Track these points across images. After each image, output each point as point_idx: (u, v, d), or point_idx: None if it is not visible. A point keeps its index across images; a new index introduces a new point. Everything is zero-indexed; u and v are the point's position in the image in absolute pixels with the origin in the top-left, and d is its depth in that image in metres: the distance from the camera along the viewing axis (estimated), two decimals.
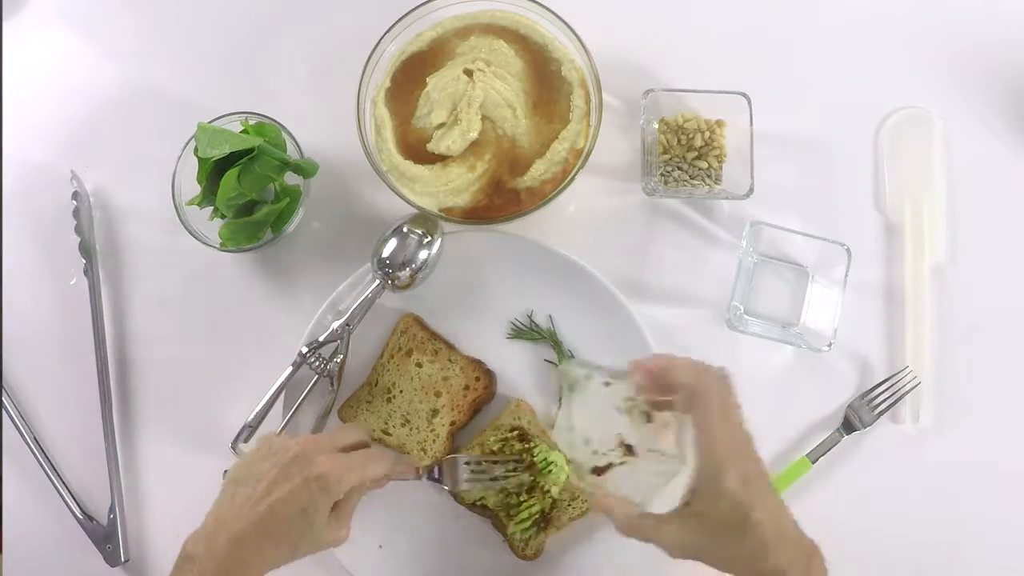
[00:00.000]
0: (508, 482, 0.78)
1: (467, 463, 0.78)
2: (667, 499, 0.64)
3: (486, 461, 0.78)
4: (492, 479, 0.78)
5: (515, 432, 0.80)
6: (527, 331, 0.84)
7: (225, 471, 0.73)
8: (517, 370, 0.84)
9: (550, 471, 0.78)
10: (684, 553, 0.62)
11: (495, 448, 0.79)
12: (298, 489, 0.67)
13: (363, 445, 0.75)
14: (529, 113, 0.83)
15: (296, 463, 0.68)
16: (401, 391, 0.83)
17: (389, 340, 0.84)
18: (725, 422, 0.61)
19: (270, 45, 0.94)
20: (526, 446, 0.79)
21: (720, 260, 0.86)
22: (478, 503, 0.79)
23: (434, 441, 0.81)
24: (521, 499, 0.78)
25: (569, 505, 0.80)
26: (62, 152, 0.93)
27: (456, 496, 0.80)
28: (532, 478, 0.78)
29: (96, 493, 0.86)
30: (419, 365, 0.83)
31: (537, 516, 0.78)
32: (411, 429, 0.82)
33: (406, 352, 0.83)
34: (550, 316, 0.84)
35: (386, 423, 0.82)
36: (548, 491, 0.78)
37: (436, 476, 0.77)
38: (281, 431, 0.80)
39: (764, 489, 0.61)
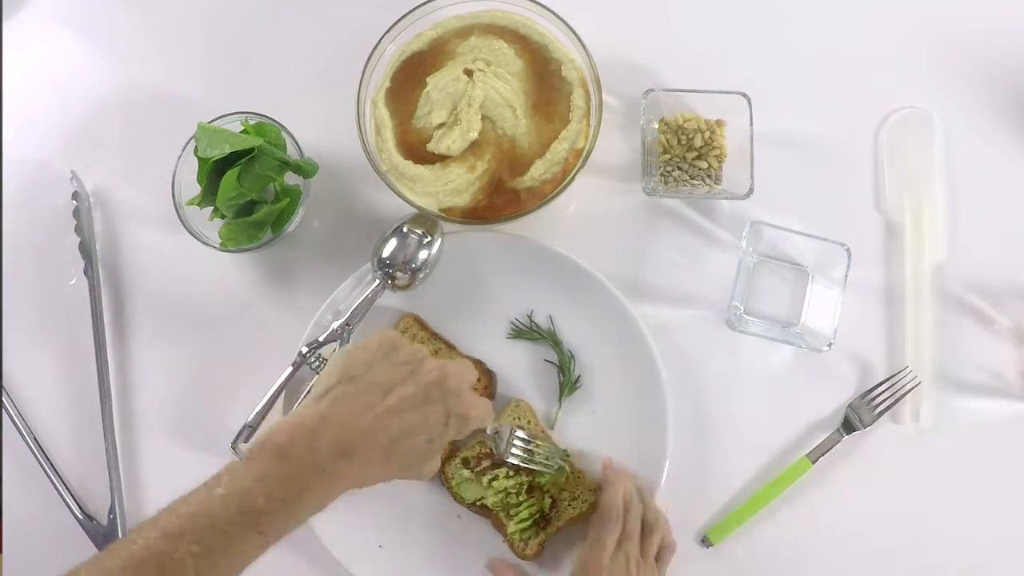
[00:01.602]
0: (542, 472, 0.78)
1: (520, 437, 0.77)
2: None
3: (536, 443, 0.78)
4: (532, 461, 0.77)
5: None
6: (527, 331, 0.84)
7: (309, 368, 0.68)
8: (517, 370, 0.84)
9: (553, 470, 0.78)
10: None
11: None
12: (435, 419, 0.62)
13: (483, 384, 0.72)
14: (529, 113, 0.83)
15: (439, 390, 0.62)
16: None
17: None
18: (593, 548, 0.72)
19: (270, 45, 0.94)
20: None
21: (720, 260, 0.86)
22: (478, 503, 0.79)
23: None
24: (521, 499, 0.78)
25: (569, 505, 0.80)
26: (62, 152, 0.93)
27: (456, 496, 0.80)
28: (530, 477, 0.78)
29: (96, 493, 0.86)
30: None
31: (537, 516, 0.78)
32: None
33: None
34: (550, 316, 0.84)
35: None
36: (548, 491, 0.79)
37: (492, 435, 0.76)
38: None
39: None
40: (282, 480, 0.57)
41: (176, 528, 0.55)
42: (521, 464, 0.77)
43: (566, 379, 0.83)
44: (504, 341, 0.85)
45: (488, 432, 0.75)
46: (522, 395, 0.84)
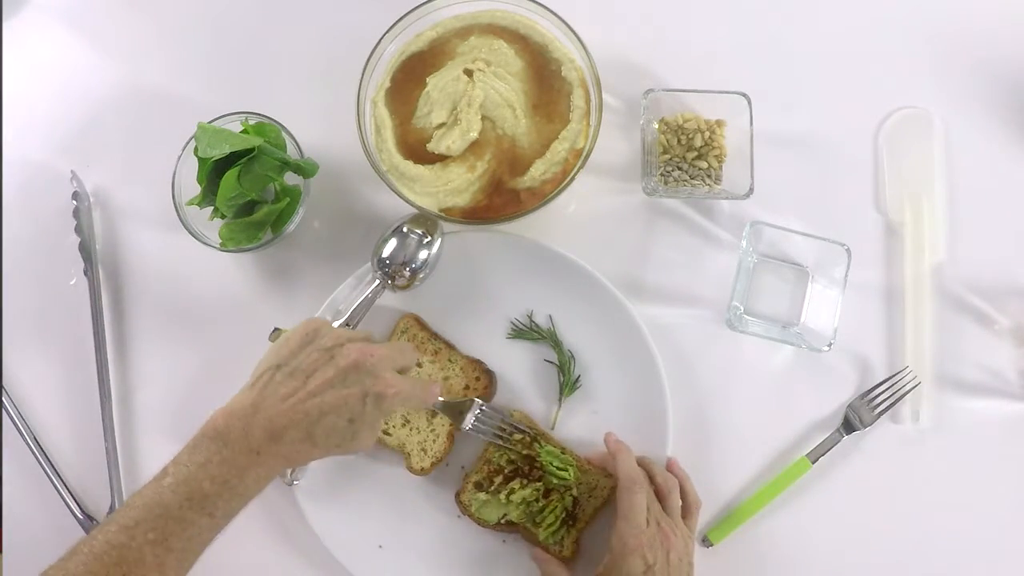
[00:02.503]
0: (510, 446, 0.79)
1: (482, 408, 0.78)
2: None
3: (502, 420, 0.79)
4: (496, 434, 0.78)
5: (521, 437, 0.79)
6: (527, 331, 0.84)
7: (275, 329, 0.72)
8: (517, 370, 0.84)
9: (559, 469, 0.78)
10: None
11: (502, 463, 0.79)
12: (353, 399, 0.65)
13: (409, 368, 0.73)
14: (529, 113, 0.83)
15: (356, 371, 0.66)
16: None
17: (389, 340, 0.84)
18: (625, 521, 0.72)
19: (270, 45, 0.94)
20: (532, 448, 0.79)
21: (720, 260, 0.86)
22: (503, 521, 0.79)
23: (434, 441, 0.81)
24: (542, 504, 0.78)
25: (590, 497, 0.79)
26: (62, 152, 0.93)
27: (480, 521, 0.79)
28: (541, 481, 0.78)
29: (96, 493, 0.86)
30: (419, 365, 0.83)
31: (563, 516, 0.78)
32: (411, 429, 0.82)
33: None
34: (550, 316, 0.84)
35: (386, 423, 0.82)
36: (569, 489, 0.78)
37: (452, 413, 0.78)
38: None
39: None
40: (222, 464, 0.63)
41: (131, 520, 0.61)
42: (482, 436, 0.78)
43: (566, 379, 0.83)
44: (504, 341, 0.85)
45: (435, 405, 0.77)
46: (522, 395, 0.84)
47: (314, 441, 0.65)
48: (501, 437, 0.79)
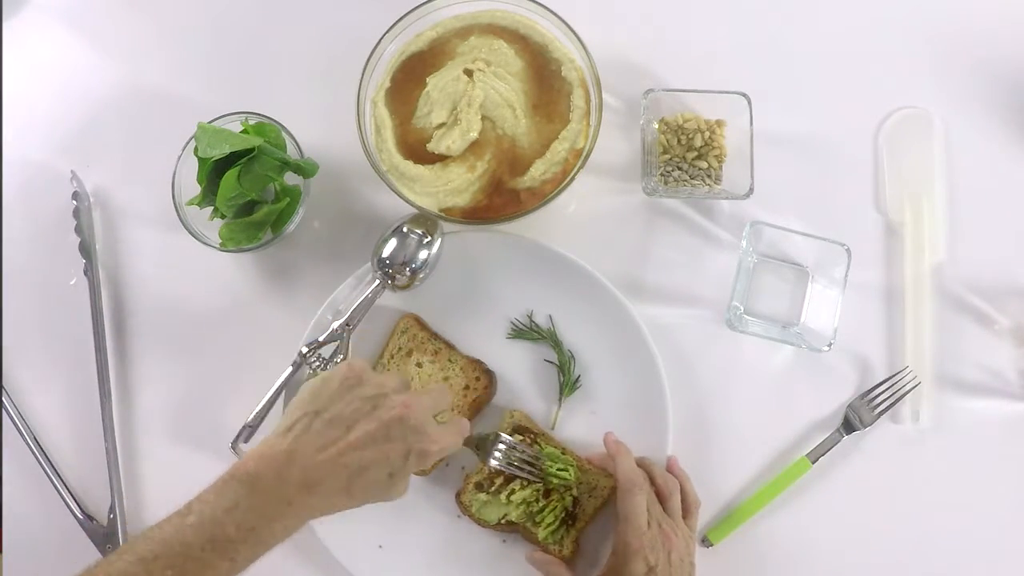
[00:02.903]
0: (539, 477, 0.77)
1: (503, 444, 0.76)
2: None
3: (521, 451, 0.77)
4: (518, 466, 0.77)
5: (522, 438, 0.79)
6: (527, 331, 0.84)
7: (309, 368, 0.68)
8: (517, 370, 0.84)
9: (560, 470, 0.78)
10: None
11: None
12: (396, 455, 0.63)
13: (447, 409, 0.72)
14: (529, 113, 0.83)
15: (400, 425, 0.64)
16: None
17: (389, 340, 0.84)
18: (626, 523, 0.72)
19: (270, 45, 0.94)
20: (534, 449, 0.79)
21: (720, 260, 0.86)
22: (503, 521, 0.79)
23: None
24: (542, 504, 0.78)
25: (589, 497, 0.79)
26: (62, 152, 0.93)
27: (480, 521, 0.79)
28: (541, 482, 0.78)
29: (96, 493, 0.86)
30: (419, 365, 0.83)
31: (562, 515, 0.78)
32: None
33: (406, 352, 0.83)
34: (550, 316, 0.84)
35: None
36: (570, 488, 0.78)
37: (474, 447, 0.77)
38: None
39: None
40: (251, 510, 0.60)
41: (150, 553, 0.57)
42: (506, 470, 0.76)
43: (566, 379, 0.83)
44: (504, 341, 0.85)
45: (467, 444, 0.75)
46: (522, 395, 0.84)
47: (351, 494, 0.63)
48: (531, 469, 0.77)
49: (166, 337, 0.89)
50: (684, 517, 0.77)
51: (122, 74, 0.94)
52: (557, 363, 0.84)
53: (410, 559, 0.81)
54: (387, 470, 0.63)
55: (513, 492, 0.78)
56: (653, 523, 0.72)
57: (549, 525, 0.78)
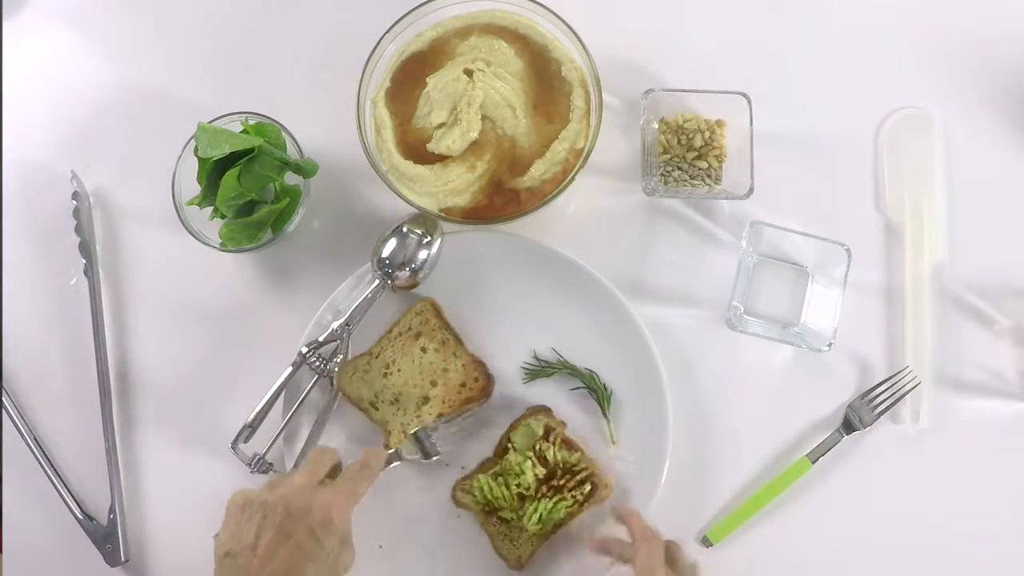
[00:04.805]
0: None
1: (427, 430, 0.79)
2: None
3: (441, 423, 0.80)
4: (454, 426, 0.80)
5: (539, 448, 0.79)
6: (540, 369, 0.83)
7: (216, 535, 0.69)
8: (517, 370, 0.84)
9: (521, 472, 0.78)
10: None
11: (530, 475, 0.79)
12: (304, 542, 0.64)
13: (338, 465, 0.73)
14: (529, 113, 0.83)
15: (291, 518, 0.65)
16: (399, 370, 0.83)
17: (401, 318, 0.84)
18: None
19: (270, 45, 0.94)
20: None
21: (720, 260, 0.86)
22: (491, 499, 0.79)
23: (417, 426, 0.81)
24: (537, 495, 0.78)
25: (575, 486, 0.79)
26: (62, 152, 0.93)
27: (456, 501, 0.80)
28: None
29: (96, 493, 0.86)
30: (424, 351, 0.83)
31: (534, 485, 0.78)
32: (398, 409, 0.82)
33: (415, 334, 0.83)
34: (553, 348, 0.84)
35: (376, 396, 0.82)
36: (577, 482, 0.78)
37: (407, 457, 0.79)
38: (280, 433, 0.80)
39: None
40: None
41: None
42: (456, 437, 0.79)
43: (600, 395, 0.82)
44: (503, 341, 0.84)
45: (394, 461, 0.78)
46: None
47: None
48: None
49: (166, 337, 0.89)
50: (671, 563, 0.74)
51: (122, 74, 0.94)
52: (584, 386, 0.83)
53: (410, 559, 0.81)
54: (306, 559, 0.64)
55: (523, 473, 0.78)
56: None
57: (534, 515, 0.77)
